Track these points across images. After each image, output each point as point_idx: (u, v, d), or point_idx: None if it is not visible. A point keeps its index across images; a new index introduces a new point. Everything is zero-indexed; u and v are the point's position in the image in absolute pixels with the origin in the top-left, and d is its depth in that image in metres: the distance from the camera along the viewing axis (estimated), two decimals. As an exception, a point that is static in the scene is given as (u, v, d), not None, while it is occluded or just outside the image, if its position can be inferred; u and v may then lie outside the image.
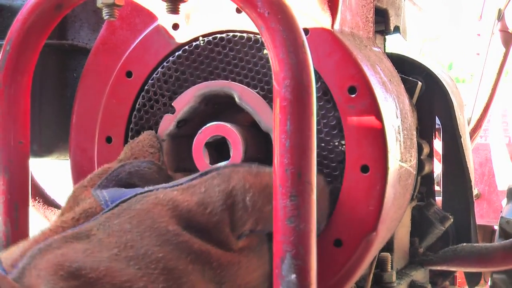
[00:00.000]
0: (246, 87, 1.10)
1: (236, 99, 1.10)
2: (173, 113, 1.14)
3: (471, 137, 2.98)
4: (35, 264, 0.78)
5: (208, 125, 1.09)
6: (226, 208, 0.88)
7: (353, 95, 1.06)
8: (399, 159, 1.11)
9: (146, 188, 0.91)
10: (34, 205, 1.79)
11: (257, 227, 0.90)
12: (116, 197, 0.90)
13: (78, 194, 0.97)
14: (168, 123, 1.15)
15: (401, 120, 1.16)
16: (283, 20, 0.85)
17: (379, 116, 1.05)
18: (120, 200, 0.88)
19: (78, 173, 1.25)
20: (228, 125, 1.08)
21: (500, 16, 3.13)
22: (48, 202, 1.81)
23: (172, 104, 1.14)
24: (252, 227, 0.90)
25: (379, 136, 1.05)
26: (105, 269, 0.78)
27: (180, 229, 0.85)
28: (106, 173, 1.00)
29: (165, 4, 0.98)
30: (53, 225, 0.89)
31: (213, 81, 1.13)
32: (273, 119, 0.85)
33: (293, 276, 0.82)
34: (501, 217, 2.58)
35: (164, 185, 0.92)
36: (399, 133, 1.13)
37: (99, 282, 0.77)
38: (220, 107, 1.16)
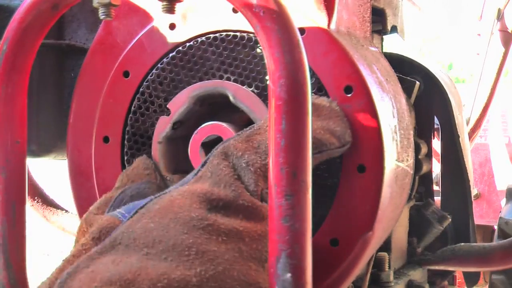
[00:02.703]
0: (240, 85, 1.10)
1: (231, 98, 1.10)
2: (168, 115, 1.14)
3: (470, 137, 2.97)
4: (67, 287, 0.78)
5: (203, 125, 1.09)
6: (236, 178, 0.90)
7: (349, 95, 1.06)
8: (395, 158, 1.11)
9: (158, 194, 0.92)
10: (33, 205, 1.79)
11: None
12: (131, 209, 0.91)
13: (89, 220, 0.97)
14: (164, 126, 1.15)
15: (398, 120, 1.16)
16: (278, 19, 0.85)
17: (375, 116, 1.05)
18: (137, 208, 0.89)
19: (76, 173, 1.25)
20: (223, 124, 1.08)
21: (500, 16, 3.13)
22: (47, 202, 1.82)
23: (167, 106, 1.15)
24: (265, 184, 0.91)
25: (375, 135, 1.05)
26: (138, 269, 0.78)
27: (204, 213, 0.85)
28: (110, 201, 1.02)
29: (161, 4, 0.98)
30: (75, 250, 0.89)
31: (206, 81, 1.13)
32: (268, 118, 0.85)
33: (288, 275, 0.82)
34: (500, 217, 2.58)
35: (173, 186, 0.93)
36: (396, 133, 1.13)
37: (136, 281, 0.77)
38: (215, 107, 1.16)
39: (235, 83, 1.11)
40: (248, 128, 0.97)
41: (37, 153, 1.39)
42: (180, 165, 1.17)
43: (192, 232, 0.83)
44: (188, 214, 0.85)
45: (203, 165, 0.94)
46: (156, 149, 1.15)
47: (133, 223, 0.86)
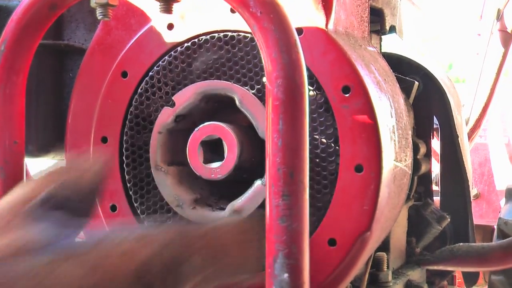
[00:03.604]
0: (247, 91, 1.11)
1: (237, 102, 1.11)
2: (172, 107, 1.15)
3: (470, 137, 2.97)
4: None
5: (205, 124, 1.10)
6: (170, 271, 0.89)
7: (347, 95, 1.06)
8: (393, 158, 1.11)
9: (96, 237, 0.87)
10: (32, 205, 1.79)
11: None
12: (61, 237, 0.83)
13: (9, 221, 0.86)
14: (166, 117, 1.15)
15: (396, 120, 1.17)
16: (276, 19, 0.85)
17: (373, 116, 1.05)
18: (67, 244, 0.82)
19: (74, 173, 1.25)
20: (225, 126, 1.08)
21: (499, 16, 3.13)
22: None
23: (173, 98, 1.15)
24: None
25: (373, 135, 1.05)
26: None
27: (133, 279, 0.84)
28: (32, 198, 0.88)
29: (158, 4, 0.98)
30: None
31: (216, 80, 1.13)
32: (265, 119, 0.86)
33: (286, 275, 0.82)
34: (499, 218, 2.58)
35: (116, 230, 0.89)
36: (394, 133, 1.13)
37: None
38: (220, 105, 1.17)
39: (243, 87, 1.11)
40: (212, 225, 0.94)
41: (35, 153, 1.39)
42: (176, 157, 1.17)
43: None
44: (121, 276, 0.82)
45: (161, 224, 0.93)
46: (155, 139, 1.16)
47: (59, 261, 0.77)
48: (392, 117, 1.15)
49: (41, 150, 1.39)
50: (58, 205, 0.85)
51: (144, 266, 0.84)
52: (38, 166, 1.72)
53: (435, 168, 1.81)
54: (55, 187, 0.85)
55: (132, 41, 1.20)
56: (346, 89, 1.06)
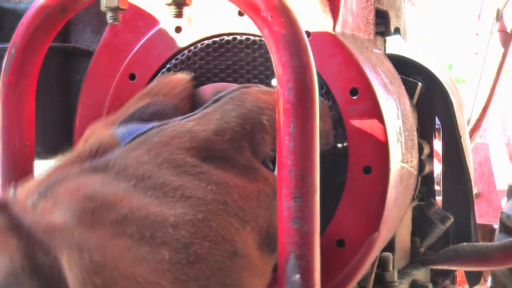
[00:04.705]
0: None
1: None
2: None
3: (470, 137, 2.98)
4: (52, 192, 0.77)
5: None
6: (245, 132, 0.87)
7: (354, 97, 1.07)
8: (400, 159, 1.12)
9: (161, 122, 0.89)
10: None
11: None
12: (132, 131, 0.89)
13: (94, 131, 0.95)
14: None
15: (402, 121, 1.17)
16: (286, 23, 0.86)
17: (380, 118, 1.06)
18: (136, 133, 0.87)
19: (82, 175, 1.26)
20: None
21: (499, 16, 3.14)
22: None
23: None
24: (273, 146, 0.89)
25: (380, 137, 1.06)
26: (122, 195, 0.77)
27: (198, 161, 0.84)
28: (127, 112, 0.98)
29: (169, 8, 0.99)
30: (70, 157, 0.87)
31: (224, 83, 1.14)
32: (276, 121, 0.86)
33: (297, 276, 0.83)
34: (502, 212, 2.60)
35: (178, 118, 0.91)
36: (400, 134, 1.14)
37: (116, 205, 0.76)
38: None
39: None
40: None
41: (43, 155, 1.39)
42: None
43: (182, 176, 0.82)
44: (184, 158, 0.83)
45: (215, 101, 0.92)
46: None
47: (128, 150, 0.84)
48: (398, 118, 1.15)
49: (49, 152, 1.39)
50: (145, 118, 0.92)
51: (207, 143, 0.83)
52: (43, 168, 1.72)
53: (436, 168, 1.82)
54: (147, 111, 0.92)
55: (140, 43, 1.20)
56: (354, 91, 1.07)
